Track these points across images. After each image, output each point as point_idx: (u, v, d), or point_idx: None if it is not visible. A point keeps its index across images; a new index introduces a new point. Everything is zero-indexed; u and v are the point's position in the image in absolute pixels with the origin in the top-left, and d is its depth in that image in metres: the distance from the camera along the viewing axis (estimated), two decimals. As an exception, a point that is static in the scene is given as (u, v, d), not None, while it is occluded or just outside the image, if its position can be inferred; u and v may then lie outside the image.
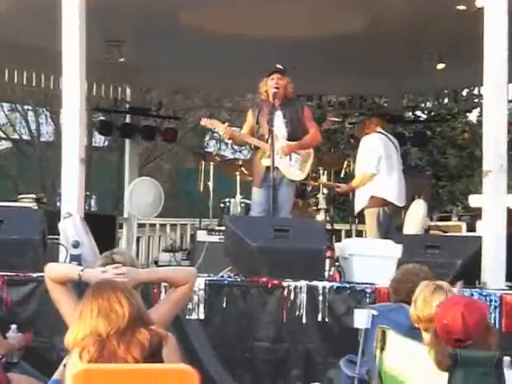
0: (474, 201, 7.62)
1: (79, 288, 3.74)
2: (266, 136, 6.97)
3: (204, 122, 7.45)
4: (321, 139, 7.54)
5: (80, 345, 2.97)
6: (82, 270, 3.67)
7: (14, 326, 4.57)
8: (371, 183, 7.72)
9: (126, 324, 2.98)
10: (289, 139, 7.05)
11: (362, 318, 3.94)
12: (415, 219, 8.01)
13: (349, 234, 9.61)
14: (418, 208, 8.12)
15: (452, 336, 3.04)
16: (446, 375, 2.97)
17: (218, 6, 8.14)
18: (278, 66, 7.04)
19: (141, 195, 9.00)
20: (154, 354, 2.96)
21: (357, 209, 7.93)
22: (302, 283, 5.59)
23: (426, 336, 3.61)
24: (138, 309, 3.07)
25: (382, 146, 7.81)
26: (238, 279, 5.77)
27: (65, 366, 3.41)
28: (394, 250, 5.99)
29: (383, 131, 7.98)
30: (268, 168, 6.95)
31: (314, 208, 8.49)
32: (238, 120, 7.92)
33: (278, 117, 7.02)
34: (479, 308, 3.14)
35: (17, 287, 5.58)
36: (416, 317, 3.81)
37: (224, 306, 5.62)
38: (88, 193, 8.21)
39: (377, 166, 7.68)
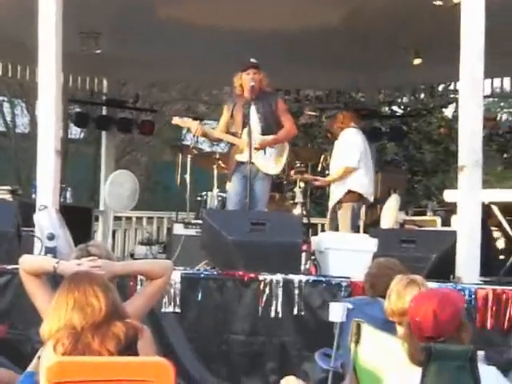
0: (449, 196, 7.65)
1: (54, 280, 3.72)
2: (240, 131, 6.97)
3: (175, 120, 7.44)
4: (296, 132, 7.51)
5: (54, 337, 2.96)
6: (57, 263, 3.65)
7: None
8: (349, 178, 7.76)
9: (101, 318, 2.97)
10: (263, 133, 7.04)
11: (337, 312, 3.95)
12: (389, 213, 8.07)
13: (325, 228, 9.64)
14: (391, 201, 8.19)
15: (423, 333, 3.03)
16: (420, 369, 2.98)
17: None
18: (252, 60, 7.03)
19: (119, 188, 8.95)
20: (129, 347, 2.95)
21: (331, 203, 7.95)
22: (278, 277, 5.59)
23: (400, 329, 3.63)
24: (114, 302, 3.05)
25: (361, 141, 7.86)
26: (215, 272, 5.78)
27: (39, 358, 3.39)
28: (370, 244, 6.02)
29: (357, 126, 8.04)
30: (240, 162, 6.96)
31: (291, 202, 8.50)
32: (215, 113, 7.89)
33: (252, 111, 7.01)
34: (453, 303, 3.11)
35: (-9, 280, 5.55)
36: (390, 310, 3.83)
37: (200, 299, 5.62)
38: (64, 185, 8.17)
39: (359, 160, 7.73)
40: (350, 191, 7.77)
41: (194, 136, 7.23)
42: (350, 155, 7.78)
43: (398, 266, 4.43)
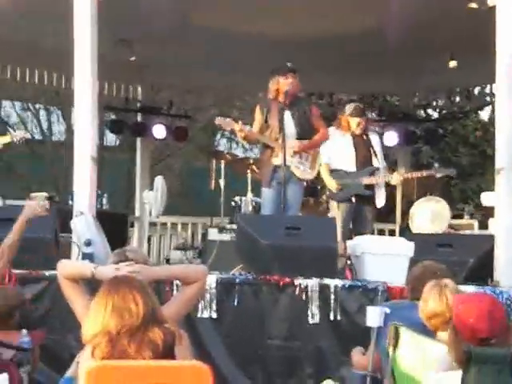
0: (486, 199, 7.58)
1: (90, 286, 3.74)
2: (277, 136, 6.95)
3: (218, 121, 7.40)
4: (329, 137, 7.45)
5: (93, 342, 2.97)
6: (95, 268, 3.67)
7: (24, 331, 4.49)
8: None
9: (138, 323, 2.97)
10: (298, 138, 7.05)
11: (374, 316, 3.92)
12: (441, 219, 7.99)
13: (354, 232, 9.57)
14: (444, 209, 8.11)
15: (477, 335, 2.99)
16: (460, 372, 2.95)
17: (230, 4, 8.13)
18: (289, 64, 7.01)
19: (163, 194, 8.97)
20: (166, 353, 2.96)
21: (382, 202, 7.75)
22: (314, 281, 5.59)
23: (442, 334, 3.57)
24: (152, 308, 3.05)
25: None
26: (250, 277, 5.78)
27: (78, 363, 3.42)
28: (407, 248, 5.98)
29: None
30: (276, 167, 6.95)
31: (325, 206, 8.47)
32: (249, 119, 7.91)
33: (288, 116, 7.00)
34: (501, 305, 3.11)
35: (29, 285, 5.60)
36: (424, 316, 3.73)
37: (236, 304, 5.62)
38: (100, 191, 8.21)
39: None
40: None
41: (232, 138, 7.18)
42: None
43: (442, 272, 4.28)
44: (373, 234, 7.79)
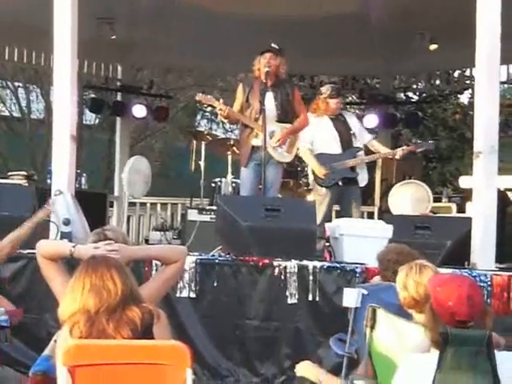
0: (464, 182, 7.63)
1: (69, 264, 3.73)
2: (257, 115, 6.93)
3: (199, 97, 7.33)
4: (309, 123, 7.42)
5: (70, 320, 2.97)
6: (74, 247, 3.67)
7: (2, 309, 4.47)
8: None
9: (116, 302, 2.98)
10: (278, 121, 7.02)
11: (351, 297, 3.94)
12: (422, 204, 8.02)
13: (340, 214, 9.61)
14: (427, 193, 8.14)
15: (456, 318, 3.00)
16: (436, 353, 2.97)
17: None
18: (272, 44, 6.97)
19: (136, 174, 8.91)
20: (145, 332, 2.97)
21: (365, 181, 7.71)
22: (293, 263, 5.61)
23: (418, 316, 3.59)
24: (130, 287, 3.06)
25: None
26: (229, 258, 5.79)
27: (55, 341, 3.41)
28: (385, 230, 6.00)
29: None
30: (254, 147, 6.93)
31: (305, 188, 8.49)
32: (230, 99, 7.88)
33: (269, 97, 6.97)
34: (479, 288, 3.13)
35: (7, 264, 5.57)
36: (411, 300, 3.68)
37: (215, 284, 5.64)
38: (79, 171, 8.15)
39: None
40: None
41: (213, 118, 7.12)
42: None
43: (410, 254, 4.28)
44: (362, 212, 7.76)
